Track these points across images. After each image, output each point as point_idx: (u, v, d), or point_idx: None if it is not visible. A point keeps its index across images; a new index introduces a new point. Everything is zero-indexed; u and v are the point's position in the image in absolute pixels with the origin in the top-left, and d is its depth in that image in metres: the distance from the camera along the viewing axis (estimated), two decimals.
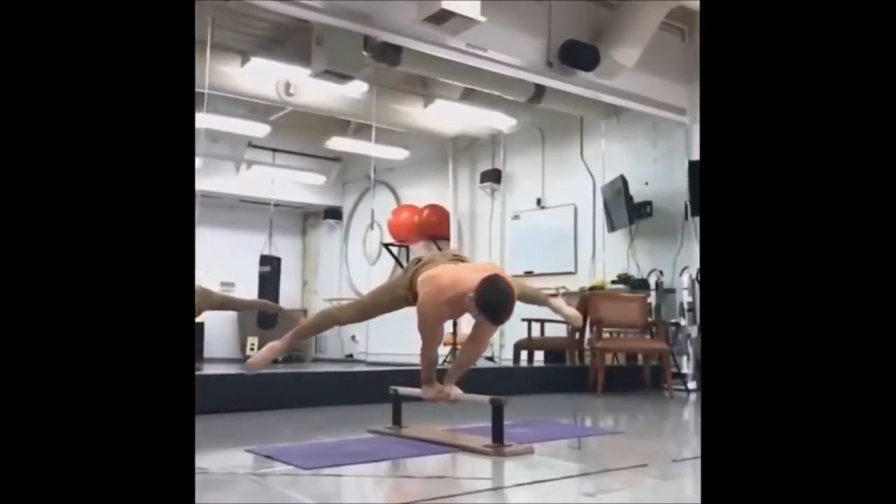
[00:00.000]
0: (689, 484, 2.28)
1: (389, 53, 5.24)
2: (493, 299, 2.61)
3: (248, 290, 8.85)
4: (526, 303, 3.30)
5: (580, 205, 7.56)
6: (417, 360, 2.94)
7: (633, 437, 3.52)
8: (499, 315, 2.67)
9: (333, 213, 10.53)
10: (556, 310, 3.33)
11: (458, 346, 7.15)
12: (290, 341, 3.18)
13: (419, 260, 3.02)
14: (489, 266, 3.00)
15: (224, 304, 5.30)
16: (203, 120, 6.27)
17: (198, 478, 2.15)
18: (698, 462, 2.35)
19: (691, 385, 5.88)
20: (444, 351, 5.61)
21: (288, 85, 6.80)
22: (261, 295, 8.45)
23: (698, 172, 5.37)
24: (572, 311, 3.44)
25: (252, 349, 9.55)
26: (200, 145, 6.46)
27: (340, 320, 3.33)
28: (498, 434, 2.60)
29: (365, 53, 5.15)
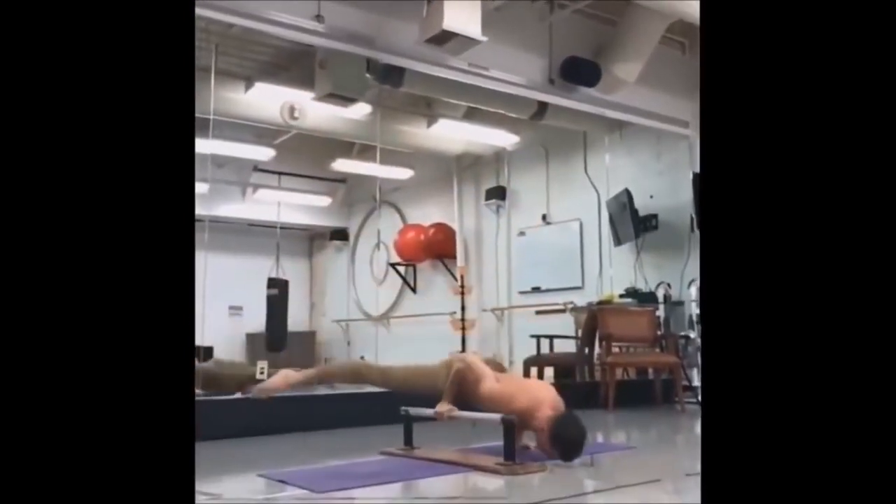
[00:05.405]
0: None
1: (393, 75, 5.27)
2: (570, 436, 2.66)
3: (256, 313, 8.86)
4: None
5: (586, 220, 7.56)
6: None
7: (645, 453, 3.50)
8: (573, 453, 2.68)
9: (340, 235, 10.56)
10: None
11: None
12: (311, 379, 3.07)
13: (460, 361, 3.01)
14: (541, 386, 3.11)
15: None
16: (209, 146, 6.31)
17: None
18: None
19: None
20: None
21: (292, 109, 6.84)
22: (269, 317, 8.43)
23: None
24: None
25: (262, 373, 9.52)
26: (206, 171, 6.48)
27: (368, 381, 3.31)
28: (510, 452, 2.60)
29: (368, 76, 5.19)
